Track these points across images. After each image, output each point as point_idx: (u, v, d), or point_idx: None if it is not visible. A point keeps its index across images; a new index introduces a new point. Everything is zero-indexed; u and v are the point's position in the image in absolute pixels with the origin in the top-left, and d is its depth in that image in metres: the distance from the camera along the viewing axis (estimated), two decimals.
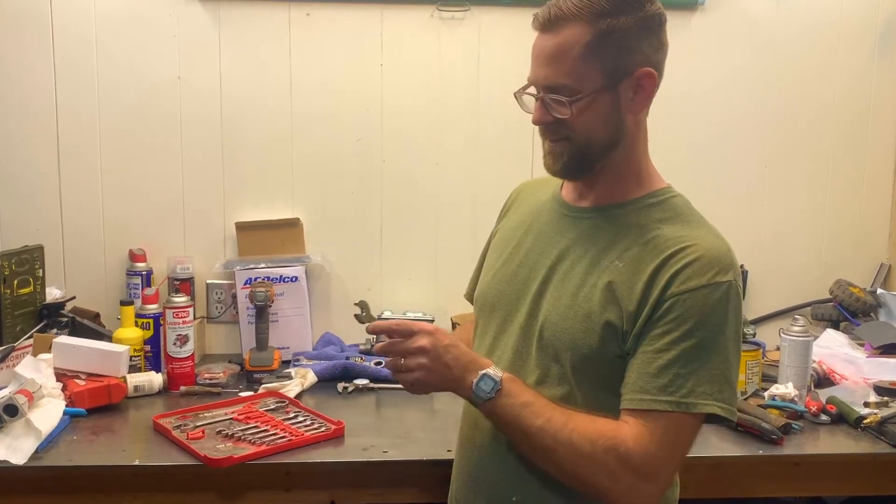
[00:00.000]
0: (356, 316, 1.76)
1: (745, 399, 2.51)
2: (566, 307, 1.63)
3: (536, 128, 1.70)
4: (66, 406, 2.34)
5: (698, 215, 1.70)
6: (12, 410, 2.13)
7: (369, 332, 1.71)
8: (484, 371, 1.59)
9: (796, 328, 2.58)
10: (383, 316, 2.97)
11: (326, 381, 2.72)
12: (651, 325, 1.56)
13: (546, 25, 1.60)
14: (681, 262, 1.56)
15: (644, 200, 1.70)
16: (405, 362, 1.61)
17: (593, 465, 1.53)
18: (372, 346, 1.70)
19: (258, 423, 2.30)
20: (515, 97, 1.72)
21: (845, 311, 3.09)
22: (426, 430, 2.34)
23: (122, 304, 2.71)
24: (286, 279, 2.98)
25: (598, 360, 1.59)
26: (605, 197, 1.72)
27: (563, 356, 1.62)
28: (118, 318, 2.73)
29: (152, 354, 2.72)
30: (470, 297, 2.07)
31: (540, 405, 1.57)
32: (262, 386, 2.60)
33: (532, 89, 1.67)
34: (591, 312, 1.60)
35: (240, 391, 2.61)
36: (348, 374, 2.74)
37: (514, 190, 2.03)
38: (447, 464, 1.91)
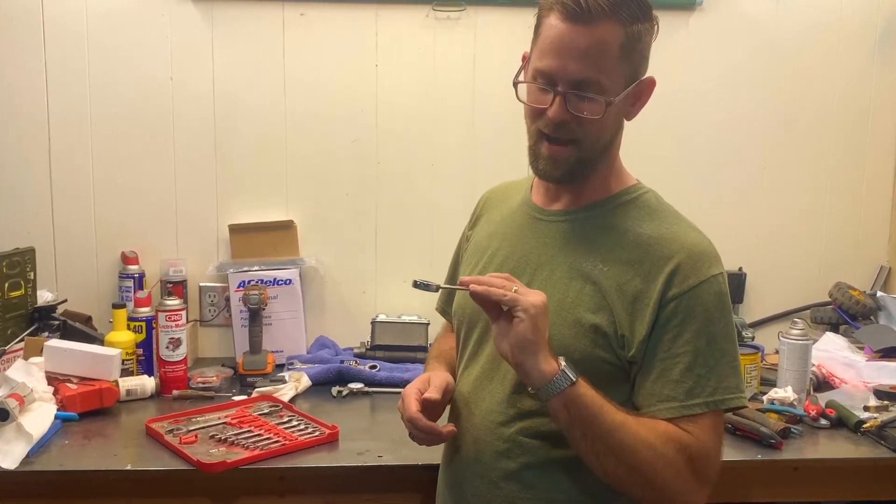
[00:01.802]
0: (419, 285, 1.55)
1: None
2: (554, 314, 1.60)
3: (527, 129, 1.67)
4: (58, 410, 2.33)
5: (672, 210, 1.71)
6: (3, 414, 2.11)
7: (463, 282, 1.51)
8: (563, 367, 1.48)
9: (795, 331, 2.57)
10: (378, 319, 2.96)
11: (321, 385, 2.70)
12: (659, 330, 1.56)
13: (580, 17, 1.52)
14: (672, 263, 1.57)
15: (617, 199, 1.71)
16: (517, 294, 1.47)
17: (669, 467, 1.53)
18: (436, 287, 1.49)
19: (252, 428, 2.29)
20: (514, 86, 1.66)
21: (845, 314, 3.07)
22: None
23: (114, 306, 2.69)
24: (280, 282, 2.96)
25: (589, 364, 1.58)
26: (578, 198, 1.72)
27: None
28: (110, 322, 2.71)
29: (144, 358, 2.69)
30: (441, 310, 2.10)
31: (614, 405, 1.52)
32: (256, 390, 2.58)
33: (542, 82, 1.60)
34: (580, 318, 1.60)
35: (233, 395, 2.60)
36: (343, 377, 2.73)
37: (482, 197, 2.04)
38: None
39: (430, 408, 1.72)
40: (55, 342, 2.56)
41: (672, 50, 3.05)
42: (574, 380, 1.47)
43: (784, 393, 2.47)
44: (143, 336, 2.69)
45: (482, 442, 1.69)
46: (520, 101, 1.67)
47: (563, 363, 1.48)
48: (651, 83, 1.65)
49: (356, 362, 2.83)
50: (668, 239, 1.61)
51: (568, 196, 1.73)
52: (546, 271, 1.68)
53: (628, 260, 1.61)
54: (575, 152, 1.61)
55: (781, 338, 2.59)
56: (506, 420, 1.65)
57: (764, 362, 2.78)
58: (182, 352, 2.64)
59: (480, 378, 1.73)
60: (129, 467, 2.08)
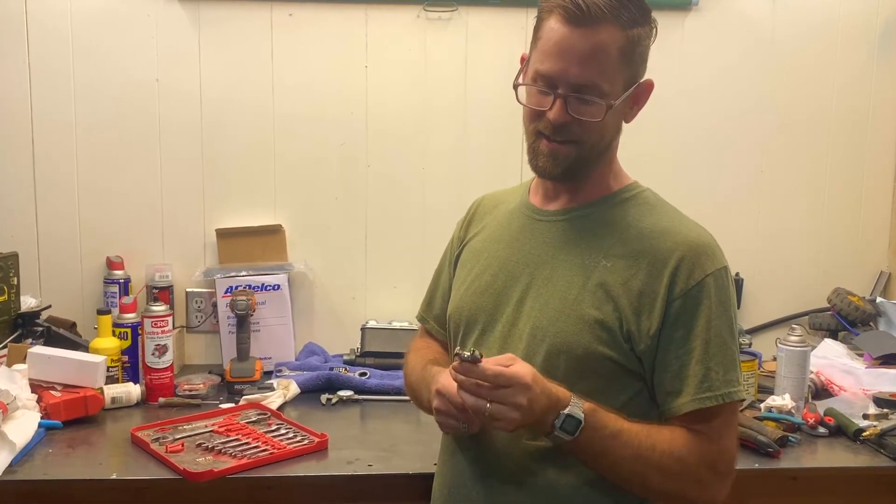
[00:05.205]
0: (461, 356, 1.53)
1: (741, 411, 2.46)
2: (556, 311, 1.63)
3: (524, 130, 1.68)
4: (42, 418, 2.30)
5: (671, 206, 1.74)
6: None
7: (457, 369, 1.51)
8: (566, 412, 1.50)
9: (793, 338, 2.55)
10: (368, 326, 2.94)
11: (310, 393, 2.68)
12: (670, 327, 1.59)
13: (580, 20, 1.54)
14: (676, 257, 1.60)
15: (617, 197, 1.73)
16: (492, 409, 1.48)
17: (683, 482, 1.60)
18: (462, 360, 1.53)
19: (239, 436, 2.26)
20: (514, 88, 1.67)
21: (844, 321, 3.06)
22: (412, 443, 2.31)
23: (99, 312, 2.66)
24: (268, 287, 2.93)
25: (591, 360, 1.60)
26: (577, 197, 1.74)
27: (555, 360, 1.62)
28: (95, 328, 2.68)
29: (130, 365, 2.67)
30: (420, 318, 2.11)
31: (628, 433, 1.56)
32: (244, 397, 2.57)
33: (542, 85, 1.62)
34: (583, 314, 1.61)
35: (220, 403, 2.58)
36: (332, 385, 2.71)
37: (474, 202, 2.03)
38: (433, 477, 1.89)
39: None
40: (39, 349, 2.53)
41: (668, 51, 3.03)
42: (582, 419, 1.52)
43: (782, 400, 2.46)
44: (128, 343, 2.66)
45: (483, 447, 1.69)
46: (519, 102, 1.69)
47: (560, 420, 1.51)
48: (649, 86, 1.68)
49: (346, 369, 2.81)
50: (670, 232, 1.64)
51: (566, 195, 1.74)
52: (547, 270, 1.69)
53: (631, 255, 1.63)
54: (574, 151, 1.63)
55: (779, 344, 2.57)
56: None
57: (761, 369, 2.77)
58: (168, 359, 2.61)
59: None
60: (114, 476, 2.06)
